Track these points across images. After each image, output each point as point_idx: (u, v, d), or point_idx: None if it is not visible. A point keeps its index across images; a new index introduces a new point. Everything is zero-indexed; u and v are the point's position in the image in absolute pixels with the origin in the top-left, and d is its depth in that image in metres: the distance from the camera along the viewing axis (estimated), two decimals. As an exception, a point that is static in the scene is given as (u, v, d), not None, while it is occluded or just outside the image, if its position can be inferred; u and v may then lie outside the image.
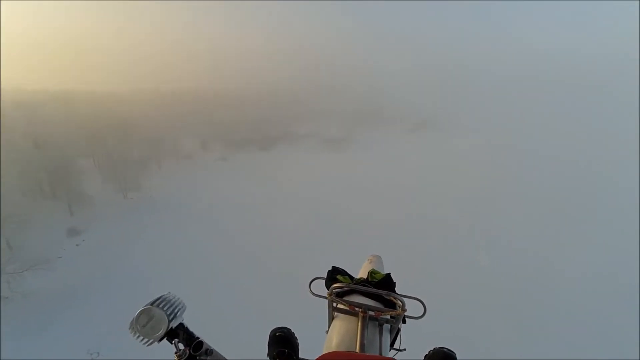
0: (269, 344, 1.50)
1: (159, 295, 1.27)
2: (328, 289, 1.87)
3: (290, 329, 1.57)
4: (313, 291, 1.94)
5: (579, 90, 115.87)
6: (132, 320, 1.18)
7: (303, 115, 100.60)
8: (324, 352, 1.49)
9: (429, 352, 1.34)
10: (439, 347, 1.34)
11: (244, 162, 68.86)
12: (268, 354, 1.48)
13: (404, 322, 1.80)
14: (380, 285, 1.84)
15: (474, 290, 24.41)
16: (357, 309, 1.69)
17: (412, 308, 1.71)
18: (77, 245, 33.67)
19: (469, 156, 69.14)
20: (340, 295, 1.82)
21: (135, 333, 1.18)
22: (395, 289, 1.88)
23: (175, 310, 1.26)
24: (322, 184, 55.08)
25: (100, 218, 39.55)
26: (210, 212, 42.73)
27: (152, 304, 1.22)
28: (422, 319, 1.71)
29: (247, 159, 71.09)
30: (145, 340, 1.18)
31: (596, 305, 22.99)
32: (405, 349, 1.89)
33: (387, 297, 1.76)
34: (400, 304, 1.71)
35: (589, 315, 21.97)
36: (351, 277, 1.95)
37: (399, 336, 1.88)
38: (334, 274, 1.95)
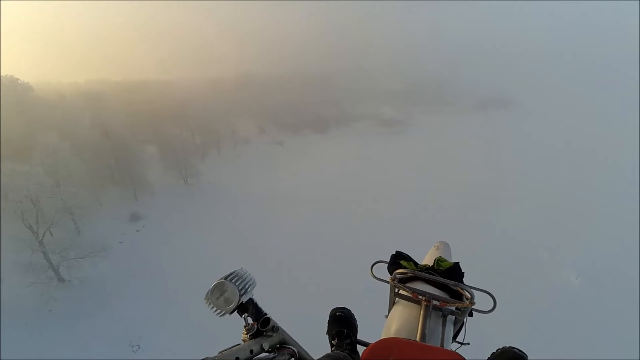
0: (329, 323, 1.57)
1: (232, 270, 1.29)
2: (391, 274, 1.82)
3: (350, 310, 1.60)
4: (375, 274, 1.90)
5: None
6: (208, 292, 1.22)
7: (358, 96, 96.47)
8: (383, 336, 1.48)
9: (497, 350, 1.30)
10: (509, 347, 1.29)
11: (300, 146, 67.86)
12: (327, 332, 1.56)
13: (471, 315, 1.73)
14: (447, 275, 1.74)
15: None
16: (420, 296, 1.62)
17: (479, 301, 1.62)
18: (137, 230, 35.36)
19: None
20: (403, 281, 1.77)
21: (209, 304, 1.22)
22: (464, 279, 1.76)
23: (247, 286, 1.28)
24: (383, 167, 52.01)
25: (162, 203, 41.31)
26: (266, 199, 42.23)
27: (225, 278, 1.25)
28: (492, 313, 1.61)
29: (304, 143, 69.89)
30: (218, 311, 1.22)
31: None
32: (469, 343, 1.78)
33: (454, 288, 1.67)
34: (469, 296, 1.62)
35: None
36: (415, 264, 1.88)
37: (463, 329, 1.80)
38: (398, 259, 1.90)
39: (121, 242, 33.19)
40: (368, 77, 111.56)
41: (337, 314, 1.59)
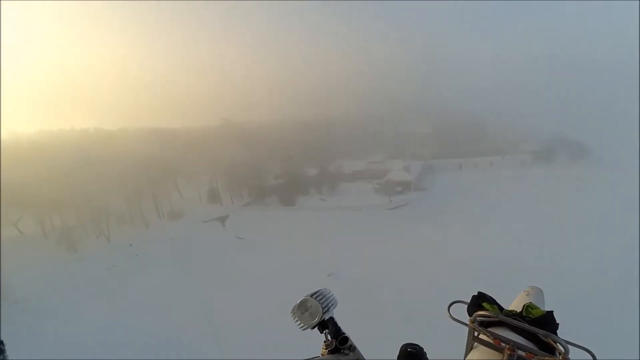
0: (399, 358, 1.47)
1: (318, 289, 1.36)
2: (470, 315, 1.68)
3: (422, 348, 1.50)
4: (452, 315, 1.75)
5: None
6: (294, 306, 1.31)
7: (356, 148, 73.04)
8: None
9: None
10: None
11: (244, 225, 44.85)
12: None
13: None
14: (538, 324, 1.55)
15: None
16: (503, 344, 1.47)
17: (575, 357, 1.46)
18: None
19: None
20: (484, 325, 1.63)
21: (295, 318, 1.30)
22: (558, 331, 1.57)
23: (329, 305, 1.35)
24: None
25: None
26: None
27: (311, 295, 1.33)
28: None
29: (253, 221, 46.89)
30: (302, 325, 1.30)
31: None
32: None
33: (545, 339, 1.48)
34: (562, 350, 1.40)
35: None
36: (500, 308, 1.72)
37: None
38: (480, 301, 1.74)
39: None
40: (373, 122, 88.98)
41: (408, 349, 1.43)
